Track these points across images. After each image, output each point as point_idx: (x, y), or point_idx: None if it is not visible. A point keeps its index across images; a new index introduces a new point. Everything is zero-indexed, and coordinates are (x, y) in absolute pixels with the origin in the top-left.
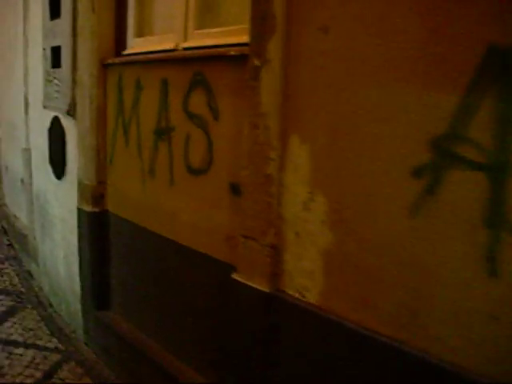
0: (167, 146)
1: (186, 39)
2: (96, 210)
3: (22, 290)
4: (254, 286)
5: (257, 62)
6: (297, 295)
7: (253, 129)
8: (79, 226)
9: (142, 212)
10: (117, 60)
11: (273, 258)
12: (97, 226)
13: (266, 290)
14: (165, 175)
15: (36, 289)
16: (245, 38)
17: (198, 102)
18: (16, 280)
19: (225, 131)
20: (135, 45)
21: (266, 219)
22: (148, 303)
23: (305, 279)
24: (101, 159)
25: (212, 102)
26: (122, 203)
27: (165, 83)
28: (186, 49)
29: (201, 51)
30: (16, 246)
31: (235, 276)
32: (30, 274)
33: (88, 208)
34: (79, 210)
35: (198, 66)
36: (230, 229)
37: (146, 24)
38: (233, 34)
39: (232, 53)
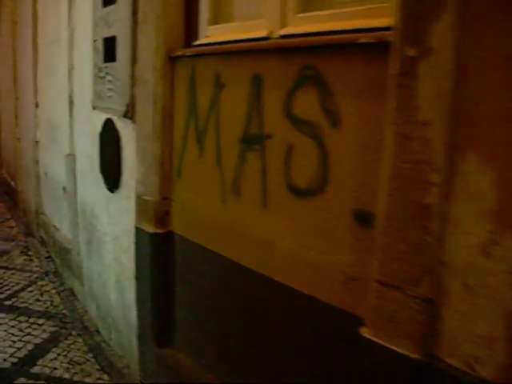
0: (259, 158)
1: (283, 25)
2: (159, 231)
3: (65, 312)
4: (395, 348)
5: (411, 52)
6: (463, 367)
7: (403, 142)
8: (137, 249)
9: (220, 237)
10: (188, 52)
11: (427, 315)
12: (160, 250)
13: (414, 356)
14: (255, 194)
15: (81, 311)
16: (374, 23)
17: (306, 104)
18: (58, 300)
19: (348, 142)
20: (210, 33)
21: (419, 263)
22: (226, 345)
23: (477, 347)
24: (166, 171)
25: (329, 104)
26: (192, 224)
27: (257, 80)
28: (283, 37)
29: (309, 39)
30: (56, 259)
31: (365, 333)
32: (72, 292)
33: (149, 228)
34: (138, 230)
35: (306, 57)
36: (352, 268)
37: (224, 8)
38: (356, 16)
39: (363, 40)
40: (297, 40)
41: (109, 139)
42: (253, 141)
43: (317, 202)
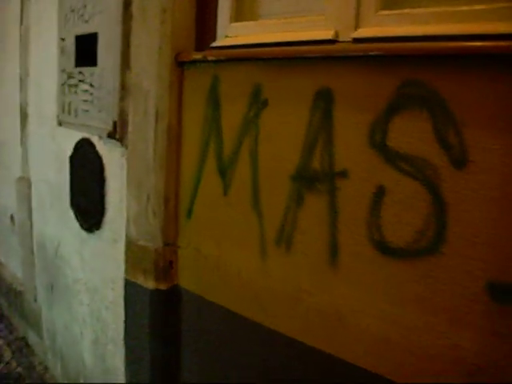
0: (326, 201)
1: (358, 25)
2: (162, 287)
3: (20, 370)
4: None
5: None
6: None
7: None
8: (129, 306)
9: (256, 300)
10: (209, 55)
11: None
12: (163, 311)
13: None
14: (315, 249)
15: (40, 369)
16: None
17: (410, 134)
18: (8, 354)
19: (477, 188)
20: (233, 33)
21: None
22: None
23: None
24: (170, 210)
25: (449, 135)
26: (211, 280)
27: (324, 97)
28: (357, 40)
29: (413, 45)
30: (1, 301)
31: None
32: (26, 343)
33: (147, 283)
34: (129, 284)
35: (409, 70)
36: (485, 358)
37: (253, 1)
38: (465, 18)
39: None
40: (393, 46)
41: (85, 165)
42: (315, 178)
43: (423, 266)
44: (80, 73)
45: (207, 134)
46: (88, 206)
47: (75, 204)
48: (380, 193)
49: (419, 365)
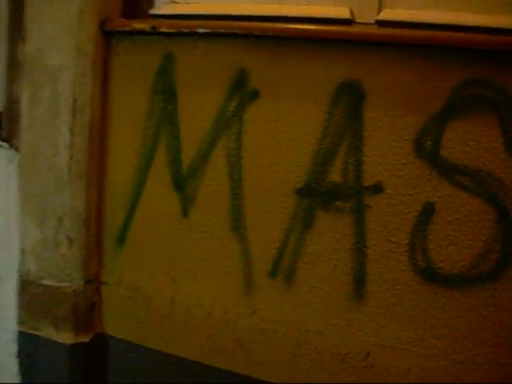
0: (350, 222)
1: (379, 6)
2: (83, 339)
3: None
4: None
5: None
6: None
7: None
8: (26, 371)
9: (239, 346)
10: (161, 25)
11: None
12: (85, 372)
13: None
14: (332, 280)
15: None
16: None
17: (472, 142)
18: None
19: None
20: None
21: None
22: None
23: None
24: (92, 235)
25: None
26: (160, 326)
27: (352, 91)
28: (382, 23)
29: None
30: None
31: None
32: None
33: (60, 335)
34: (26, 339)
35: (470, 67)
36: None
37: None
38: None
39: None
40: (451, 36)
41: None
42: (334, 194)
43: (482, 294)
44: None
45: (154, 134)
46: None
47: None
48: (428, 211)
49: None
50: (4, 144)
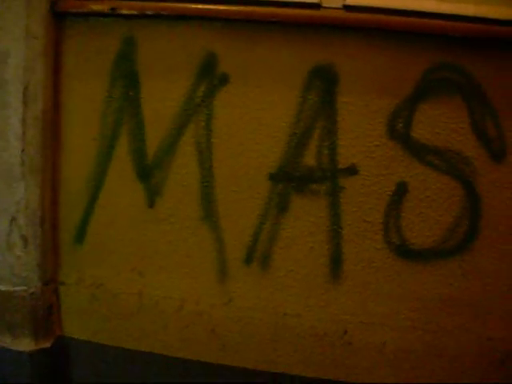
0: (325, 205)
1: None
2: (45, 344)
3: None
4: None
5: None
6: None
7: None
8: None
9: (214, 336)
10: (121, 7)
11: None
12: (49, 380)
13: None
14: (309, 263)
15: None
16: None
17: (442, 124)
18: None
19: None
20: None
21: None
22: None
23: None
24: (48, 233)
25: (487, 126)
26: (126, 323)
27: (325, 75)
28: (348, 8)
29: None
30: None
31: None
32: None
33: (18, 344)
34: None
35: (441, 52)
36: None
37: None
38: None
39: None
40: (419, 21)
41: None
42: (308, 177)
43: (452, 265)
44: None
45: (114, 122)
46: None
47: None
48: (401, 190)
49: (446, 366)
50: None
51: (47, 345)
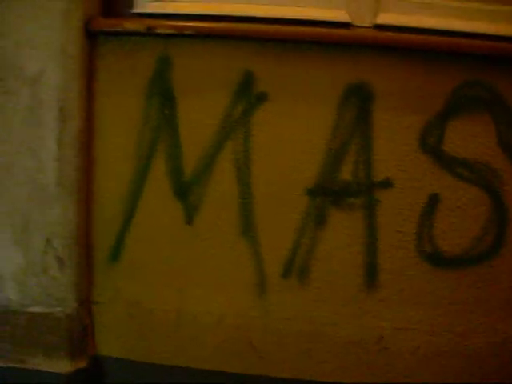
0: (361, 217)
1: (378, 9)
2: (80, 364)
3: None
4: None
5: None
6: None
7: None
8: None
9: (252, 349)
10: (157, 26)
11: None
12: None
13: None
14: (345, 273)
15: None
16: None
17: (472, 138)
18: None
19: None
20: None
21: None
22: None
23: None
24: (82, 254)
25: None
26: (163, 339)
27: (361, 92)
28: (380, 27)
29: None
30: None
31: None
32: None
33: (54, 365)
34: (8, 373)
35: (468, 69)
36: None
37: None
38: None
39: None
40: (451, 41)
41: None
42: (345, 191)
43: (480, 271)
44: None
45: (150, 141)
46: None
47: None
48: (433, 201)
49: (475, 367)
50: None
51: (83, 365)
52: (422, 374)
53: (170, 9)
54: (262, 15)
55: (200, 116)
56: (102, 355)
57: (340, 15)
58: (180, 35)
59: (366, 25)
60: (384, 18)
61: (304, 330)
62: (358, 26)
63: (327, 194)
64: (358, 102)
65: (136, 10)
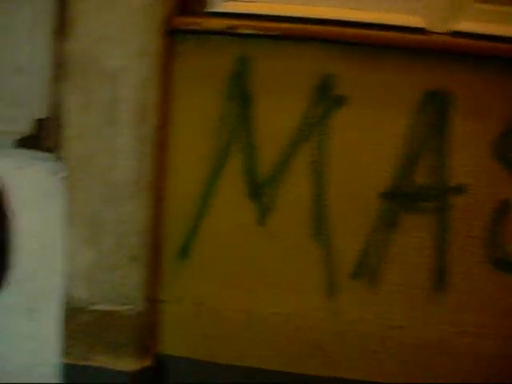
0: (433, 221)
1: (454, 16)
2: (146, 363)
3: None
4: None
5: None
6: None
7: None
8: None
9: (320, 349)
10: (238, 26)
11: None
12: None
13: None
14: (415, 276)
15: None
16: None
17: None
18: None
19: None
20: None
21: None
22: None
23: None
24: (152, 252)
25: None
26: (229, 339)
27: (439, 99)
28: (456, 34)
29: None
30: None
31: None
32: None
33: (119, 363)
34: (73, 371)
35: None
36: None
37: None
38: None
39: None
40: None
41: None
42: (417, 195)
43: None
44: None
45: (225, 141)
46: None
47: None
48: (504, 207)
49: None
50: (47, 155)
51: (149, 363)
52: (484, 375)
53: (250, 9)
54: (339, 18)
55: (277, 117)
56: (166, 354)
57: (416, 21)
58: (261, 36)
59: (442, 31)
60: (461, 25)
61: (371, 332)
62: (433, 32)
63: (400, 197)
64: (435, 108)
65: (212, 9)
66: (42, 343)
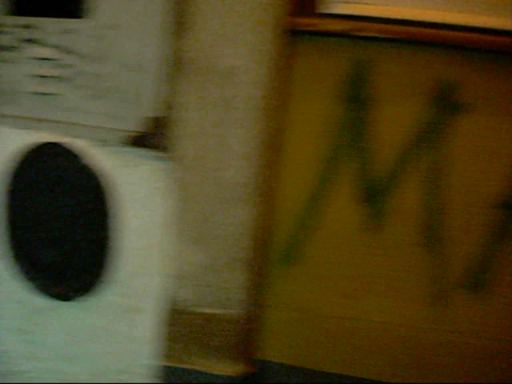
0: None
1: None
2: (249, 368)
3: None
4: None
5: None
6: None
7: None
8: None
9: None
10: (360, 29)
11: None
12: None
13: None
14: None
15: None
16: None
17: None
18: None
19: None
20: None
21: None
22: None
23: None
24: (257, 255)
25: None
26: (337, 346)
27: None
28: None
29: None
30: None
31: None
32: None
33: (220, 367)
34: (173, 372)
35: None
36: None
37: None
38: None
39: None
40: None
41: (55, 191)
42: None
43: None
44: (26, 27)
45: (340, 145)
46: (66, 259)
47: (17, 244)
48: None
49: None
50: (158, 154)
51: (250, 369)
52: None
53: (371, 12)
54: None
55: (394, 123)
56: (267, 360)
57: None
58: (381, 39)
59: None
60: None
61: (476, 345)
62: None
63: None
64: None
65: (328, 11)
66: (138, 344)
